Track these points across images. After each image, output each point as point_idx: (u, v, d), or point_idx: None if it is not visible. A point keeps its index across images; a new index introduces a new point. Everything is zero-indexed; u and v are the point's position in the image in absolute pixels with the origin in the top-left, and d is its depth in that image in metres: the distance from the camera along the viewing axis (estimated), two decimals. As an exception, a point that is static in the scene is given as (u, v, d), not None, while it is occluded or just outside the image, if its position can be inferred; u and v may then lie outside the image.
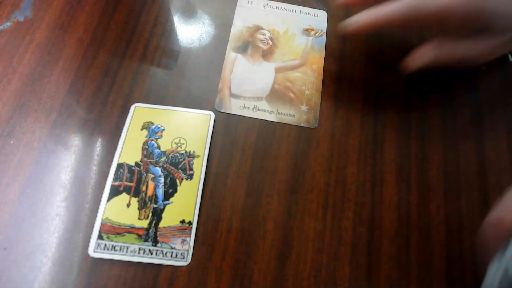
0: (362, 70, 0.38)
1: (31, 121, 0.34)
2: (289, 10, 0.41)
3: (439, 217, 0.32)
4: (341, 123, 0.36)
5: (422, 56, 0.33)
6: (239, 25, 0.40)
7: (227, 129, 0.35)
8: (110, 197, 0.31)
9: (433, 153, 0.35)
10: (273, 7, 0.41)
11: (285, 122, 0.35)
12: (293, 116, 0.36)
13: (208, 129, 0.34)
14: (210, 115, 0.35)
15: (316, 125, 0.35)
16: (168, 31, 0.39)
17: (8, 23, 0.38)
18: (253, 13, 0.41)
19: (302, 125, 0.35)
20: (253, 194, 0.32)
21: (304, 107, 0.36)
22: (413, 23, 0.31)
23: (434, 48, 0.33)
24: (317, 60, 0.39)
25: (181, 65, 0.37)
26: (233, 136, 0.34)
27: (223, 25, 0.40)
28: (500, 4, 0.30)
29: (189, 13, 0.40)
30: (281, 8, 0.41)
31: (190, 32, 0.39)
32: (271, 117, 0.36)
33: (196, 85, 0.36)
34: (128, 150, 0.33)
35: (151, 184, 0.32)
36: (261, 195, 0.32)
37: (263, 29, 0.40)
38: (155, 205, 0.31)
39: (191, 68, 0.37)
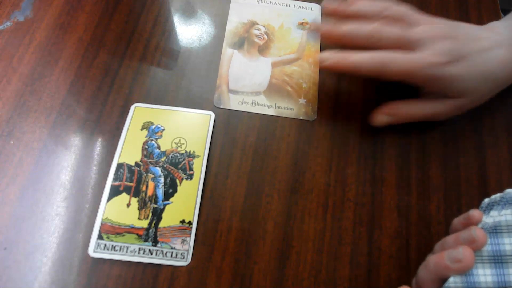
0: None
1: (31, 121, 0.34)
2: (283, 4, 0.41)
3: (439, 217, 0.32)
4: (340, 117, 0.36)
5: (378, 118, 0.35)
6: (234, 21, 0.40)
7: (227, 128, 0.35)
8: (110, 197, 0.31)
9: (433, 153, 0.35)
10: (267, 2, 0.41)
11: (284, 115, 0.36)
12: (292, 109, 0.36)
13: (208, 129, 0.34)
14: (210, 115, 0.35)
15: (315, 118, 0.36)
16: (168, 31, 0.39)
17: (8, 23, 0.38)
18: (247, 9, 0.41)
19: (301, 117, 0.35)
20: (253, 194, 0.32)
21: (302, 100, 0.36)
22: (378, 77, 0.33)
23: (389, 113, 0.34)
24: (313, 53, 0.39)
25: (181, 65, 0.37)
26: (233, 136, 0.35)
27: (220, 23, 0.40)
28: (464, 70, 0.31)
29: (189, 13, 0.40)
30: (275, 2, 0.41)
31: (190, 31, 0.39)
32: (270, 111, 0.36)
33: (196, 85, 0.36)
34: (128, 150, 0.33)
35: (151, 184, 0.32)
36: (261, 195, 0.32)
37: (258, 24, 0.40)
38: (155, 205, 0.31)
39: (191, 68, 0.37)
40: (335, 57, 0.33)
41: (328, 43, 0.35)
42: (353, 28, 0.33)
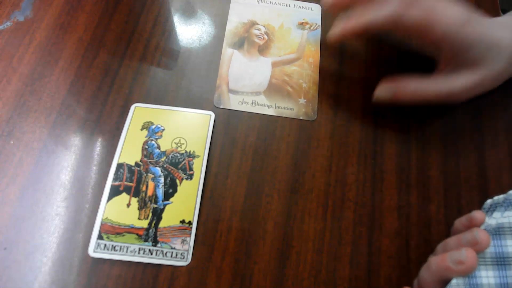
0: (359, 64, 0.38)
1: (31, 121, 0.34)
2: (283, 4, 0.41)
3: (439, 217, 0.32)
4: (340, 117, 0.36)
5: (379, 92, 0.33)
6: (234, 21, 0.40)
7: (227, 128, 0.35)
8: (110, 197, 0.31)
9: (433, 153, 0.35)
10: (267, 2, 0.41)
11: (284, 115, 0.36)
12: (292, 109, 0.36)
13: (208, 129, 0.34)
14: (210, 115, 0.35)
15: (315, 118, 0.36)
16: (168, 31, 0.39)
17: (8, 23, 0.38)
18: (247, 9, 0.41)
19: (301, 117, 0.35)
20: (253, 194, 0.32)
21: (302, 100, 0.36)
22: (394, 32, 0.31)
23: (391, 86, 0.33)
24: (313, 53, 0.39)
25: (181, 65, 0.37)
26: (233, 136, 0.34)
27: (220, 23, 0.40)
28: (479, 33, 0.30)
29: (189, 13, 0.40)
30: (275, 2, 0.41)
31: (190, 31, 0.39)
32: (270, 111, 0.36)
33: (196, 85, 0.36)
34: (128, 150, 0.33)
35: (151, 184, 0.32)
36: (261, 195, 0.32)
37: (258, 24, 0.40)
38: (155, 205, 0.31)
39: (191, 68, 0.37)
40: (343, 23, 0.32)
41: (340, 10, 0.34)
42: (362, 17, 0.32)
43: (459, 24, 0.30)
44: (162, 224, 0.31)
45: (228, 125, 0.35)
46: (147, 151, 0.33)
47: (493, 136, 0.36)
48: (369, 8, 0.31)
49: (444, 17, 0.30)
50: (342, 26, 0.32)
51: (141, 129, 0.34)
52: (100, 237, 0.30)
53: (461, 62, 0.31)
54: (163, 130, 0.34)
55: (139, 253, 0.30)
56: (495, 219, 0.26)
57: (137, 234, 0.30)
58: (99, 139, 0.34)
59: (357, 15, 0.31)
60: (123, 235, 0.30)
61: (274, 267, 0.30)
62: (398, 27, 0.31)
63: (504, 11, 0.40)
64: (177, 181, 0.32)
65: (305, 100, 0.36)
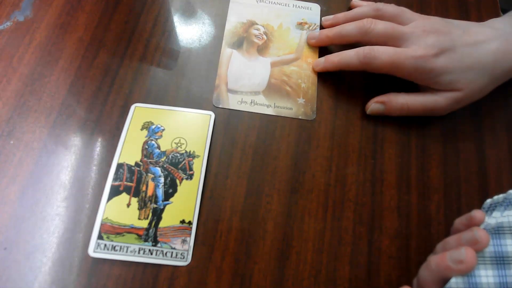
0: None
1: (31, 121, 0.34)
2: (282, 4, 0.41)
3: (439, 217, 0.32)
4: (340, 118, 0.36)
5: (373, 106, 0.35)
6: (233, 21, 0.40)
7: (227, 128, 0.35)
8: (110, 197, 0.31)
9: (433, 153, 0.35)
10: (267, 1, 0.41)
11: (283, 115, 0.36)
12: (291, 109, 0.36)
13: (208, 129, 0.34)
14: (210, 115, 0.35)
15: (314, 117, 0.36)
16: (168, 31, 0.39)
17: (8, 23, 0.38)
18: (247, 9, 0.41)
19: (300, 117, 0.36)
20: (253, 194, 0.32)
21: (301, 100, 0.36)
22: (368, 71, 0.34)
23: (384, 101, 0.35)
24: (312, 53, 0.39)
25: (181, 65, 0.37)
26: (233, 136, 0.35)
27: (220, 23, 0.40)
28: (450, 62, 0.32)
29: (188, 13, 0.40)
30: (274, 2, 0.41)
31: (189, 31, 0.39)
32: (269, 111, 0.36)
33: (196, 85, 0.36)
34: (128, 150, 0.33)
35: (151, 184, 0.32)
36: (261, 195, 0.32)
37: (257, 24, 0.40)
38: (155, 205, 0.31)
39: (191, 68, 0.37)
40: (322, 61, 0.36)
41: (326, 45, 0.38)
42: (341, 27, 0.35)
43: (427, 58, 0.32)
44: (162, 224, 0.31)
45: (228, 125, 0.35)
46: (147, 151, 0.33)
47: (493, 136, 0.36)
48: (345, 50, 0.35)
49: (412, 54, 0.32)
50: (324, 61, 0.36)
51: (141, 129, 0.34)
52: (100, 237, 0.30)
53: (438, 87, 0.33)
54: (163, 130, 0.34)
55: (139, 253, 0.30)
56: (494, 218, 0.26)
57: (137, 234, 0.30)
58: (99, 139, 0.34)
59: (336, 54, 0.36)
60: (123, 235, 0.30)
61: (274, 267, 0.30)
62: (370, 68, 0.34)
63: (504, 11, 0.40)
64: (177, 181, 0.32)
65: (304, 100, 0.36)
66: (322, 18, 0.40)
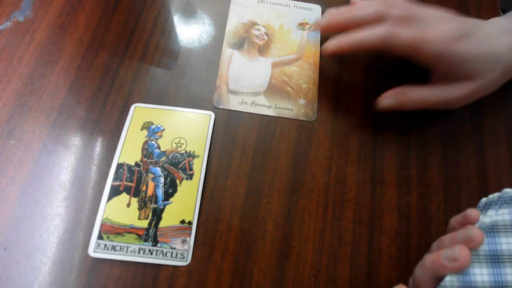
0: (359, 64, 0.38)
1: (31, 121, 0.34)
2: (283, 4, 0.41)
3: (439, 217, 0.32)
4: (340, 118, 0.36)
5: (385, 100, 0.34)
6: (234, 21, 0.40)
7: (227, 128, 0.35)
8: (110, 197, 0.31)
9: (433, 153, 0.35)
10: (267, 2, 0.41)
11: (283, 116, 0.36)
12: (292, 110, 0.36)
13: (208, 129, 0.34)
14: (210, 115, 0.35)
15: (315, 118, 0.36)
16: (168, 31, 0.39)
17: (8, 23, 0.38)
18: (247, 9, 0.41)
19: (300, 118, 0.35)
20: (253, 194, 0.32)
21: (302, 101, 0.36)
22: (385, 51, 0.32)
23: (395, 95, 0.34)
24: (313, 54, 0.39)
25: (181, 65, 0.37)
26: (233, 136, 0.35)
27: (220, 23, 0.40)
28: (471, 48, 0.31)
29: (189, 13, 0.40)
30: (275, 3, 0.41)
31: (190, 31, 0.39)
32: (270, 112, 0.36)
33: (196, 85, 0.36)
34: (128, 150, 0.33)
35: (151, 184, 0.32)
36: (261, 195, 0.32)
37: (258, 24, 0.40)
38: (155, 205, 0.31)
39: (191, 68, 0.37)
40: (338, 39, 0.33)
41: (333, 32, 0.34)
42: (353, 12, 0.33)
43: (450, 41, 0.31)
44: (162, 224, 0.31)
45: (228, 125, 0.35)
46: (147, 151, 0.33)
47: (493, 136, 0.36)
48: (363, 28, 0.32)
49: (435, 36, 0.31)
50: (337, 41, 0.33)
51: (141, 129, 0.34)
52: (100, 237, 0.30)
53: (455, 76, 0.32)
54: (163, 130, 0.34)
55: (139, 253, 0.30)
56: (489, 217, 0.26)
57: (137, 234, 0.30)
58: (99, 139, 0.34)
59: (352, 33, 0.32)
60: (123, 235, 0.30)
61: (274, 267, 0.30)
62: (390, 47, 0.31)
63: (504, 11, 0.40)
64: (177, 181, 0.32)
65: (305, 101, 0.36)
66: (325, 11, 0.36)
